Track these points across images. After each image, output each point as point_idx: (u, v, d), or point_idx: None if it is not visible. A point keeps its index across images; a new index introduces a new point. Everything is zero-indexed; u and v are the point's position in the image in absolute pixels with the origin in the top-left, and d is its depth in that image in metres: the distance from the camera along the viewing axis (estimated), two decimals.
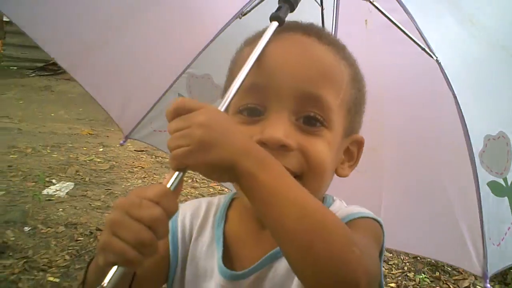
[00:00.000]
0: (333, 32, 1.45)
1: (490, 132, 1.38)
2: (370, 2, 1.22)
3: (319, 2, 1.41)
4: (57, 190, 3.83)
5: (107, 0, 1.39)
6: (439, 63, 1.29)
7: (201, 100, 1.75)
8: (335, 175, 0.94)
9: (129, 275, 0.77)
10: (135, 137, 1.70)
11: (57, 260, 2.79)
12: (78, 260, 2.82)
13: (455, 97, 1.31)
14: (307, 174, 0.83)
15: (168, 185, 0.68)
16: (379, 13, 1.27)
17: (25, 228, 3.13)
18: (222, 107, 0.77)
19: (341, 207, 0.94)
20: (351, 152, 0.96)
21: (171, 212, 0.66)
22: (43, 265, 2.71)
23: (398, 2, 1.34)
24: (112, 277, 0.65)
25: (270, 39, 0.83)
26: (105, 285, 0.65)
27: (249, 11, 1.42)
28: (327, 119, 0.83)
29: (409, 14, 1.34)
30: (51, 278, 2.59)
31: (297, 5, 0.92)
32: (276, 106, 0.82)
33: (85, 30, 1.42)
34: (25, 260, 2.72)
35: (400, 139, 1.45)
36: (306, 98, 0.82)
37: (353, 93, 0.90)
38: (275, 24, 0.85)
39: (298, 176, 0.82)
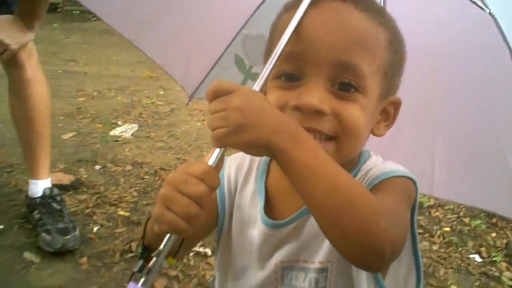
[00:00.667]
0: None
1: None
2: None
3: None
4: (123, 132, 4.05)
5: None
6: (492, 16, 1.24)
7: (257, 58, 1.80)
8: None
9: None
10: (198, 96, 1.78)
11: (126, 196, 3.00)
12: (145, 196, 3.03)
13: (510, 51, 1.26)
14: (341, 137, 0.87)
15: (210, 162, 0.78)
16: None
17: (96, 166, 3.37)
18: (260, 80, 0.84)
19: (376, 163, 0.99)
20: (388, 112, 0.99)
21: (214, 187, 0.75)
22: (114, 200, 2.93)
23: None
24: (166, 242, 0.80)
25: (307, 8, 0.86)
26: (161, 249, 0.80)
27: None
28: (362, 85, 0.87)
29: None
30: (121, 212, 2.81)
31: None
32: (312, 73, 0.86)
33: (144, 2, 1.48)
34: (97, 196, 2.96)
35: (452, 92, 1.43)
36: (341, 66, 0.85)
37: (390, 57, 0.92)
38: None
39: (334, 138, 0.87)
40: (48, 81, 2.60)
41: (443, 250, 2.70)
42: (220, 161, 0.79)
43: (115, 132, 4.04)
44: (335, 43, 0.85)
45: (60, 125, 4.09)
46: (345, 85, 0.86)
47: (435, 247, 2.71)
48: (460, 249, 2.72)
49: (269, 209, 1.00)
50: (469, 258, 2.64)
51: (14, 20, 2.13)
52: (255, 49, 1.63)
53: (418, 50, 1.39)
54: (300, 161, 0.73)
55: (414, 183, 0.94)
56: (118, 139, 3.90)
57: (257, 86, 0.85)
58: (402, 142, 1.46)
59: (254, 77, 1.72)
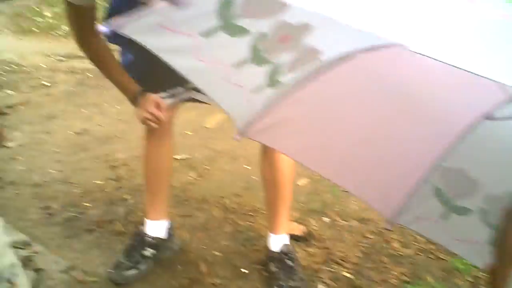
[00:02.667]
0: None
1: None
2: None
3: None
4: None
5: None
6: None
7: (458, 192, 1.84)
8: None
9: None
10: (399, 222, 1.94)
11: (349, 255, 3.15)
12: (369, 259, 3.12)
13: None
14: None
15: None
16: None
17: (324, 218, 3.61)
18: None
19: None
20: None
21: None
22: (340, 258, 3.11)
23: None
24: None
25: None
26: None
27: (500, 118, 1.38)
28: None
29: None
30: (345, 273, 2.97)
31: None
32: None
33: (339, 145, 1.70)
34: (325, 251, 3.18)
35: None
36: None
37: None
38: None
39: None
40: None
41: None
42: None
43: None
44: None
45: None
46: None
47: None
48: None
49: None
50: None
51: None
52: (455, 183, 1.67)
53: None
54: None
55: None
56: (346, 190, 4.07)
57: None
58: None
59: (458, 210, 1.75)
